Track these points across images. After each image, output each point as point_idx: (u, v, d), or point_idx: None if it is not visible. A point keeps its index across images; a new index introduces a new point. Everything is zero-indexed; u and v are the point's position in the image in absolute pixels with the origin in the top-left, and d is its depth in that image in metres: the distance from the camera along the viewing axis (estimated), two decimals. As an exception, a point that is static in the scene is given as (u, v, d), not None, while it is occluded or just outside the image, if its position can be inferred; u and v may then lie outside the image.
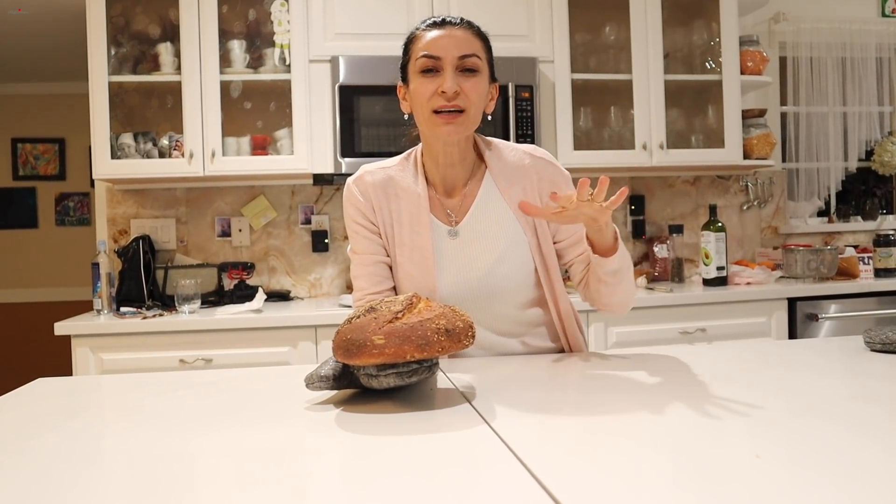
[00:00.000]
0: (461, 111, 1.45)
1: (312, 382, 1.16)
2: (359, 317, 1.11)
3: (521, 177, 1.57)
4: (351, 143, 3.03)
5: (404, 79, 1.55)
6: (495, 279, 1.55)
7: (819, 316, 3.17)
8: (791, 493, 0.69)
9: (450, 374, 1.35)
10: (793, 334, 3.17)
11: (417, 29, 1.52)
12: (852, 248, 3.54)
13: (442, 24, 1.48)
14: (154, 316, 2.82)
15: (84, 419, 1.11)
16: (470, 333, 1.13)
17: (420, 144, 1.61)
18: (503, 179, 1.57)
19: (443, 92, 1.43)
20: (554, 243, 1.60)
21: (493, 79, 1.55)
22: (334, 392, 1.22)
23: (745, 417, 0.98)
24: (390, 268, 1.60)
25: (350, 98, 3.03)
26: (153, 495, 0.75)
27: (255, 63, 3.23)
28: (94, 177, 3.07)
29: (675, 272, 3.58)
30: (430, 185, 1.59)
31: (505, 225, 1.56)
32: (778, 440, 0.87)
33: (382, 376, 1.09)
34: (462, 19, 1.51)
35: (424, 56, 1.46)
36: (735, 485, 0.71)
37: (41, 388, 1.36)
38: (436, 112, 1.45)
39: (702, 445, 0.85)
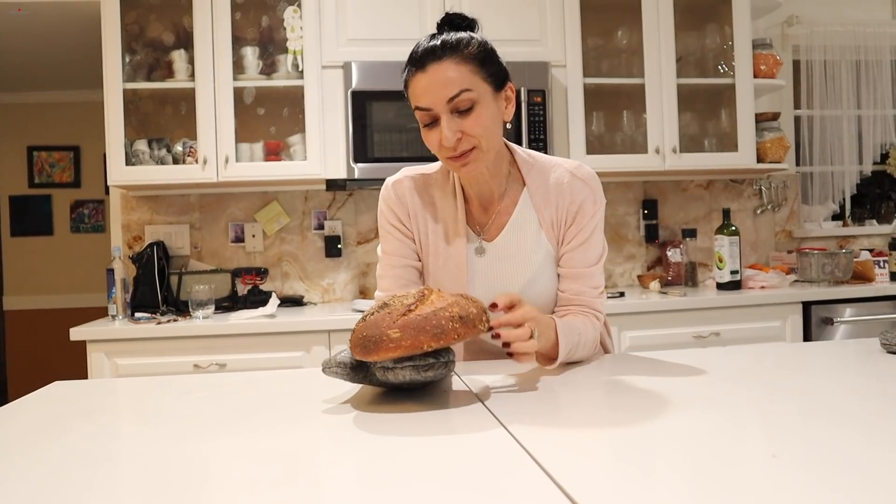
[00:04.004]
0: (472, 149, 1.39)
1: (329, 367, 1.16)
2: (373, 313, 1.11)
3: (557, 195, 1.51)
4: (364, 148, 3.04)
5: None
6: (527, 297, 1.50)
7: (834, 320, 3.15)
8: (807, 494, 0.68)
9: (465, 377, 1.35)
10: (808, 338, 3.15)
11: (408, 67, 1.41)
12: (867, 252, 3.52)
13: (423, 62, 1.37)
14: (168, 321, 2.83)
15: (100, 422, 1.11)
16: (484, 318, 1.13)
17: None
18: (540, 197, 1.52)
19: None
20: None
21: (501, 85, 1.44)
22: (349, 394, 1.22)
23: (761, 419, 0.98)
24: (420, 273, 1.59)
25: (363, 103, 3.04)
26: (167, 497, 0.75)
27: (268, 69, 3.25)
28: (108, 183, 3.09)
29: (688, 276, 3.56)
30: (467, 198, 1.56)
31: (538, 244, 1.53)
32: (794, 442, 0.86)
33: (399, 369, 1.09)
34: (445, 45, 1.37)
35: (418, 109, 1.40)
36: (753, 489, 0.71)
37: (58, 391, 1.36)
38: (449, 158, 1.42)
39: (719, 447, 0.85)
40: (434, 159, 1.61)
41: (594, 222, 1.51)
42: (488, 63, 1.41)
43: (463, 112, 1.37)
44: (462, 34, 1.40)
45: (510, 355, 1.22)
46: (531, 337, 1.21)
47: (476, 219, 1.55)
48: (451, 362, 1.14)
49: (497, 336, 1.19)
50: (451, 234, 1.54)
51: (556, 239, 1.53)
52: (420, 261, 1.58)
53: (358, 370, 1.15)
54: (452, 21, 1.45)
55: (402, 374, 1.09)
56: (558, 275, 1.55)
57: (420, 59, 1.37)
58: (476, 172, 1.45)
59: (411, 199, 1.56)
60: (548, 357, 1.38)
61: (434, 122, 1.38)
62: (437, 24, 1.46)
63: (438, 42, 1.37)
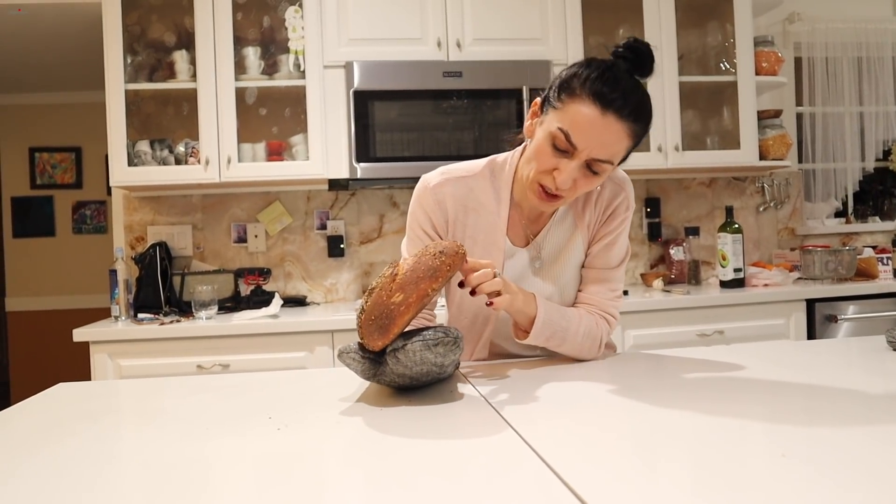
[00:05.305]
0: (561, 196, 1.35)
1: (347, 353, 1.17)
2: (366, 302, 1.14)
3: (594, 198, 1.51)
4: (366, 148, 3.04)
5: (543, 105, 1.37)
6: (556, 302, 1.52)
7: (838, 317, 3.14)
8: (816, 493, 0.68)
9: (470, 377, 1.35)
10: (811, 336, 3.14)
11: (588, 86, 1.27)
12: (871, 249, 3.51)
13: (607, 105, 1.25)
14: (171, 322, 2.83)
15: (103, 423, 1.11)
16: (458, 243, 1.20)
17: (517, 154, 1.51)
18: (580, 201, 1.51)
19: (555, 177, 1.32)
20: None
21: (620, 164, 1.38)
22: (354, 395, 1.22)
23: (767, 418, 0.97)
24: None
25: (365, 103, 3.04)
26: (171, 497, 0.75)
27: (270, 69, 3.24)
28: (111, 184, 3.09)
29: (691, 274, 3.56)
30: (515, 204, 1.51)
31: (574, 250, 1.52)
32: (801, 440, 0.86)
33: (409, 345, 1.10)
34: (636, 110, 1.28)
35: (563, 134, 1.28)
36: (762, 487, 0.71)
37: (62, 393, 1.36)
38: (541, 186, 1.35)
39: (726, 447, 0.85)
40: (455, 159, 1.59)
41: (623, 226, 1.52)
42: (637, 140, 1.33)
43: (590, 172, 1.32)
44: (647, 105, 1.31)
45: (490, 305, 1.30)
46: (494, 277, 1.28)
47: (523, 229, 1.53)
48: (459, 338, 1.15)
49: (462, 284, 1.27)
50: (489, 242, 1.50)
51: (588, 242, 1.53)
52: None
53: (372, 362, 1.16)
54: (639, 52, 1.31)
55: (413, 350, 1.10)
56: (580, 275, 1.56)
57: (607, 101, 1.25)
58: (542, 208, 1.43)
59: (453, 205, 1.50)
60: (524, 330, 1.43)
61: (564, 151, 1.30)
62: (624, 45, 1.32)
63: (630, 101, 1.27)
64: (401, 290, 1.11)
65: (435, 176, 1.51)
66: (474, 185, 1.51)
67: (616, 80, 1.27)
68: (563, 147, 1.29)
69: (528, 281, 1.51)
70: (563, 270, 1.53)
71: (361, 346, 1.17)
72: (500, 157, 1.54)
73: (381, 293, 1.12)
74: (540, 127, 1.36)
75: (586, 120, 1.26)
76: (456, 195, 1.50)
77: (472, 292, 1.27)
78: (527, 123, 1.41)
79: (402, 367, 1.12)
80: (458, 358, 1.19)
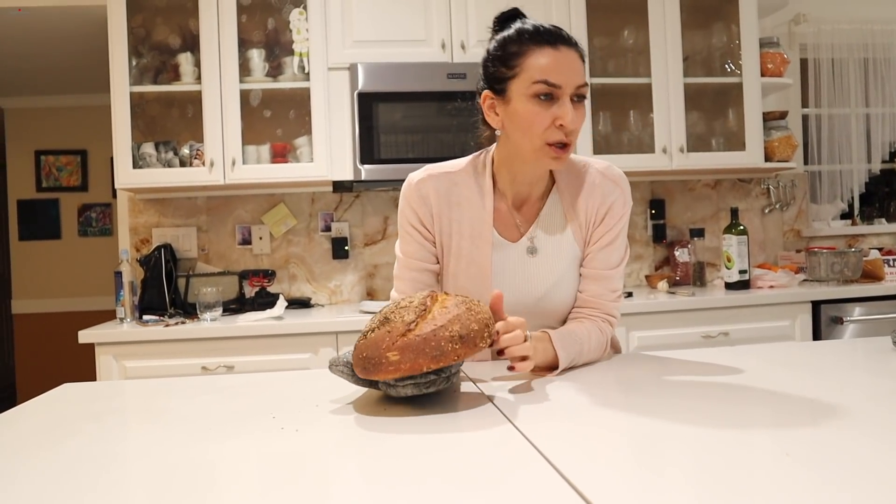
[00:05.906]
0: (571, 143, 1.38)
1: (336, 366, 1.16)
2: (373, 330, 1.10)
3: (588, 195, 1.51)
4: (370, 149, 3.04)
5: (497, 89, 1.43)
6: (552, 300, 1.52)
7: (843, 319, 3.13)
8: (819, 494, 0.68)
9: (474, 377, 1.34)
10: (817, 337, 3.13)
11: (526, 39, 1.37)
12: (877, 251, 3.50)
13: (555, 42, 1.36)
14: (176, 324, 2.84)
15: (108, 423, 1.11)
16: (485, 334, 1.11)
17: (492, 150, 1.54)
18: (570, 196, 1.51)
19: (561, 125, 1.35)
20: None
21: None
22: (356, 395, 1.22)
23: (771, 419, 0.97)
24: (437, 275, 1.57)
25: (369, 105, 3.04)
26: (174, 498, 0.75)
27: (275, 71, 3.25)
28: (116, 186, 3.10)
29: (696, 276, 3.55)
30: (500, 195, 1.53)
31: (566, 244, 1.52)
32: (805, 442, 0.85)
33: (400, 387, 1.09)
34: (570, 37, 1.38)
35: (544, 83, 1.34)
36: (766, 488, 0.70)
37: (67, 393, 1.36)
38: (549, 144, 1.37)
39: (729, 447, 0.84)
40: (448, 158, 1.60)
41: (621, 224, 1.51)
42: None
43: (577, 102, 1.37)
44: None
45: (511, 369, 1.24)
46: (525, 341, 1.23)
47: (510, 220, 1.53)
48: (454, 374, 1.14)
49: (491, 344, 1.19)
50: (476, 236, 1.50)
51: (583, 240, 1.53)
52: (438, 263, 1.56)
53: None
54: (509, 15, 1.46)
55: (404, 391, 1.09)
56: (579, 275, 1.55)
57: (552, 38, 1.36)
58: (560, 167, 1.46)
59: (436, 200, 1.51)
60: (548, 368, 1.37)
61: (551, 98, 1.35)
62: (500, 21, 1.46)
63: (564, 32, 1.38)
64: (400, 351, 1.05)
65: (419, 173, 1.55)
66: (458, 180, 1.53)
67: (537, 25, 1.38)
68: (548, 93, 1.34)
69: (525, 273, 1.51)
70: (558, 261, 1.52)
71: None
72: (481, 153, 1.57)
73: (385, 337, 1.07)
74: (509, 106, 1.40)
75: (550, 60, 1.35)
76: (439, 190, 1.52)
77: (501, 352, 1.22)
78: (493, 118, 1.46)
79: (392, 395, 1.12)
80: (454, 381, 1.18)
